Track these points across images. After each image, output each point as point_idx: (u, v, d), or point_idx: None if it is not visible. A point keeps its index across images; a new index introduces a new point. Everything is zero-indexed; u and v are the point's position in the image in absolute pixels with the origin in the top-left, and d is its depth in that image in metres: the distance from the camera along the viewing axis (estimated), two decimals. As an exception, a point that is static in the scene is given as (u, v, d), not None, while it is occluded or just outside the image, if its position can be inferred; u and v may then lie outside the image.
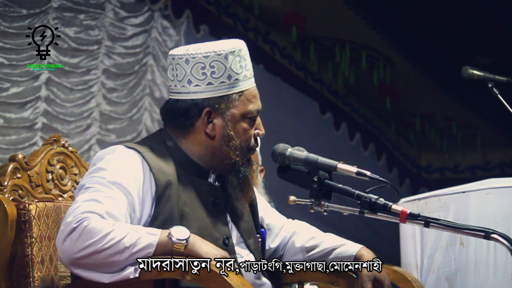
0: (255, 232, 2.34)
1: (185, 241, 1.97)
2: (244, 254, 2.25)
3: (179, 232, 1.98)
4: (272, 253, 2.49)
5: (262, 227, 2.43)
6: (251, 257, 2.26)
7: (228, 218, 2.26)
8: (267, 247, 2.45)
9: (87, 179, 2.11)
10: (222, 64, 2.22)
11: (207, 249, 1.98)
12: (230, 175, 2.26)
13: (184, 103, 2.22)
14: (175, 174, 2.17)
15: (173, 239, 1.96)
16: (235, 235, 2.26)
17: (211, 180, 2.27)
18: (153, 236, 1.97)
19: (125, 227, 1.97)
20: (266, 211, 2.50)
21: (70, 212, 2.00)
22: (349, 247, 2.43)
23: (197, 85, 2.21)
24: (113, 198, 2.05)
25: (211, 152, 2.23)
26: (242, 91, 2.23)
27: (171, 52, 2.30)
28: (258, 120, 2.30)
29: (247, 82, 2.26)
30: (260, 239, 2.36)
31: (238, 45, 2.29)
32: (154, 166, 2.15)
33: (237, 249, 2.24)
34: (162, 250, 1.96)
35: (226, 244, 2.19)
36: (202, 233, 2.07)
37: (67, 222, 1.97)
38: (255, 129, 2.27)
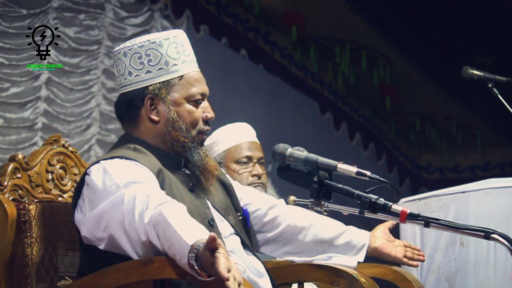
0: (234, 210, 2.38)
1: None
2: (226, 231, 2.28)
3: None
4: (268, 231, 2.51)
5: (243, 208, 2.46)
6: (232, 231, 2.31)
7: (207, 201, 2.30)
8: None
9: (107, 196, 2.07)
10: (157, 51, 2.27)
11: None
12: (187, 161, 2.29)
13: (128, 95, 2.29)
14: (159, 162, 2.22)
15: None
16: (215, 214, 2.30)
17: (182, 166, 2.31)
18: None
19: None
20: (246, 193, 2.53)
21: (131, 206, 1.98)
22: (357, 236, 2.50)
23: (137, 75, 2.27)
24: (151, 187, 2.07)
25: (161, 138, 2.27)
26: (182, 75, 2.28)
27: (114, 50, 2.37)
28: (206, 103, 2.32)
29: (187, 66, 2.30)
30: (241, 217, 2.39)
31: (173, 33, 2.33)
32: (141, 160, 2.18)
33: (220, 227, 2.27)
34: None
35: (211, 225, 2.22)
36: (190, 215, 2.08)
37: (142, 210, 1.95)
38: (203, 112, 2.30)
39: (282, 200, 2.60)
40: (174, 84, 2.27)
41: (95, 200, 2.11)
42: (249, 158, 3.35)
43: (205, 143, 3.40)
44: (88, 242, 2.12)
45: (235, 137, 3.39)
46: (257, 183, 3.32)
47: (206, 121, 2.32)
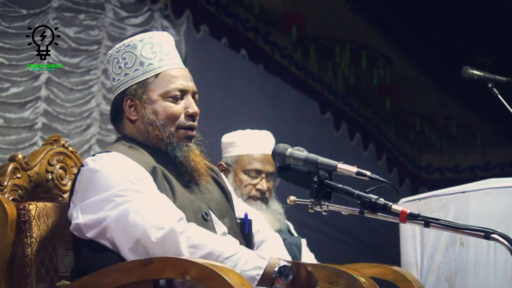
0: (231, 213, 2.39)
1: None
2: (219, 231, 2.28)
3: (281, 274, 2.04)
4: None
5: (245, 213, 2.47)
6: (226, 232, 2.31)
7: (203, 197, 2.32)
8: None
9: (102, 196, 2.11)
10: (131, 53, 2.32)
11: None
12: (174, 159, 2.29)
13: (114, 100, 2.36)
14: (153, 160, 2.24)
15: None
16: (209, 213, 2.30)
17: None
18: (259, 268, 2.04)
19: (234, 245, 2.08)
20: (239, 208, 2.52)
21: (140, 233, 2.03)
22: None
23: (118, 80, 2.34)
24: (155, 194, 2.12)
25: (143, 136, 2.31)
26: (158, 74, 2.31)
27: None
28: (190, 99, 2.34)
29: (166, 64, 2.33)
30: (239, 221, 2.41)
31: (148, 35, 2.38)
32: (135, 158, 2.21)
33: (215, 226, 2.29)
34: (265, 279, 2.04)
35: (205, 220, 2.24)
36: (183, 209, 2.14)
37: (155, 239, 2.02)
38: (185, 108, 2.32)
39: (267, 228, 2.58)
40: (150, 82, 2.31)
41: (91, 188, 2.13)
42: (258, 172, 3.34)
43: (224, 140, 3.42)
44: (76, 230, 2.14)
45: (252, 146, 3.38)
46: (258, 196, 3.32)
47: (190, 116, 2.32)
